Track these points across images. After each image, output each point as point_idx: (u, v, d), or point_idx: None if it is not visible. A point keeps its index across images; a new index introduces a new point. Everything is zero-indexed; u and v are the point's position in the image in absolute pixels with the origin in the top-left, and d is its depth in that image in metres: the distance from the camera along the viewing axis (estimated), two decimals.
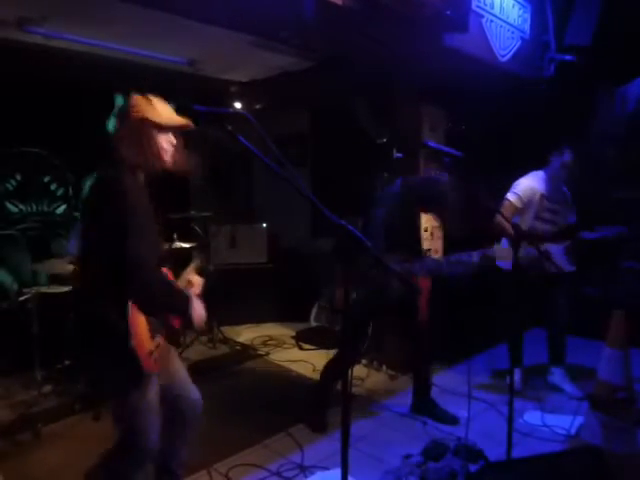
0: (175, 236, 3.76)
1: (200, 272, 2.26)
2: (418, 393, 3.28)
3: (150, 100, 1.95)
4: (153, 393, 1.89)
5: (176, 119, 1.93)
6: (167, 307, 1.90)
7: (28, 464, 2.71)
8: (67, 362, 3.53)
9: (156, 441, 1.90)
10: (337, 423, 2.97)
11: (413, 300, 3.16)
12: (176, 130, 1.97)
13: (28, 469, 2.67)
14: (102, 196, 1.80)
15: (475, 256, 2.82)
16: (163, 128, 1.92)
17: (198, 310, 1.94)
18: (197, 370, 3.89)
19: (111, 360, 1.78)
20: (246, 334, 4.98)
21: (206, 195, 5.56)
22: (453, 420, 3.12)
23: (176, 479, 2.18)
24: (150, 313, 1.81)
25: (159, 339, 1.90)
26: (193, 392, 2.18)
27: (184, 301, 1.89)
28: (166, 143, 1.94)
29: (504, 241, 3.64)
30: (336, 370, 3.11)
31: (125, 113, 1.90)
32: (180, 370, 2.15)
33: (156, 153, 1.91)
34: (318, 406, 3.13)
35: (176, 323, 2.03)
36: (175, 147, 1.98)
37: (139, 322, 1.77)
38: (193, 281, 2.17)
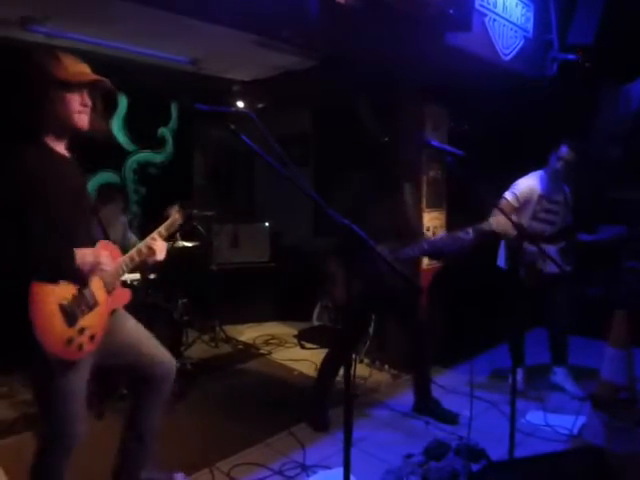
0: (177, 235, 3.75)
1: (174, 232, 2.09)
2: (419, 393, 3.27)
3: (55, 54, 1.71)
4: (78, 379, 1.80)
5: (88, 75, 1.74)
6: (44, 272, 1.65)
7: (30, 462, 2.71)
8: None
9: (79, 430, 1.84)
10: (339, 422, 2.97)
11: (413, 298, 3.15)
12: (90, 88, 1.76)
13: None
14: None
15: (470, 231, 2.79)
16: (72, 86, 1.68)
17: (92, 259, 1.71)
18: (199, 369, 3.90)
19: (20, 355, 1.72)
20: (248, 333, 4.98)
21: (208, 194, 5.57)
22: (455, 419, 3.12)
23: (144, 446, 2.13)
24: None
25: (86, 322, 1.75)
26: (156, 352, 2.09)
27: (66, 258, 1.67)
28: (78, 104, 1.71)
29: (502, 242, 3.65)
30: (332, 367, 3.13)
31: (25, 71, 1.67)
32: (132, 334, 2.05)
33: (64, 116, 1.70)
34: (318, 404, 3.13)
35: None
36: (90, 108, 1.76)
37: (46, 308, 1.63)
38: (155, 248, 1.98)
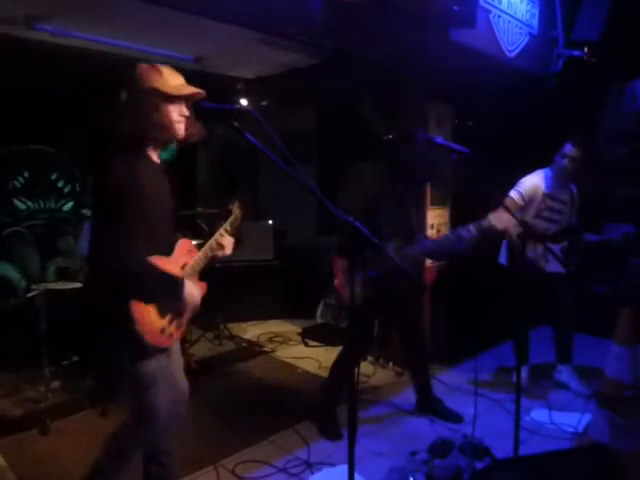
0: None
1: (237, 226, 2.24)
2: (420, 392, 3.26)
3: (157, 68, 1.82)
4: (167, 367, 1.93)
5: (186, 87, 1.85)
6: (150, 292, 1.81)
7: (36, 459, 2.73)
8: (75, 358, 3.55)
9: (168, 415, 1.93)
10: (343, 420, 2.98)
11: (415, 297, 3.12)
12: (187, 99, 1.87)
13: (37, 464, 2.69)
14: (97, 186, 1.77)
15: (472, 228, 2.76)
16: (173, 98, 1.81)
17: (191, 292, 1.89)
18: (203, 366, 3.91)
19: (118, 342, 1.84)
20: (252, 331, 4.99)
21: (212, 192, 5.58)
22: (458, 418, 3.11)
23: (165, 469, 2.16)
24: (138, 299, 1.77)
25: (174, 315, 1.89)
26: (184, 383, 2.18)
27: (172, 285, 1.83)
28: (177, 115, 1.83)
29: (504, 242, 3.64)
30: (344, 368, 3.08)
31: (130, 85, 1.78)
32: (178, 360, 2.16)
33: (167, 126, 1.82)
34: (329, 411, 3.06)
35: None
36: (187, 118, 1.88)
37: (143, 307, 1.77)
38: (224, 243, 2.13)
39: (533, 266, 3.41)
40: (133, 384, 1.89)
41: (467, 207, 3.45)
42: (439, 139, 2.78)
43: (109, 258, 1.70)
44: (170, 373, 1.99)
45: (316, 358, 4.17)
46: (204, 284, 2.08)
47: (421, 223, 3.21)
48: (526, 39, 4.07)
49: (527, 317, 3.51)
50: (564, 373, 3.59)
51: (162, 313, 1.85)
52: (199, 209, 4.46)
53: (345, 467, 1.61)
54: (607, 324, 2.99)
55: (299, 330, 4.89)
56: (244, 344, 4.64)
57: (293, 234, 5.64)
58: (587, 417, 3.02)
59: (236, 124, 1.64)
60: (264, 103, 4.98)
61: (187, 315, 1.98)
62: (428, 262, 4.00)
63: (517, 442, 2.33)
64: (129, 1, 2.70)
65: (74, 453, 2.72)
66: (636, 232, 3.42)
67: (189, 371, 3.64)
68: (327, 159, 5.41)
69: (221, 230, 2.18)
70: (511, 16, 3.89)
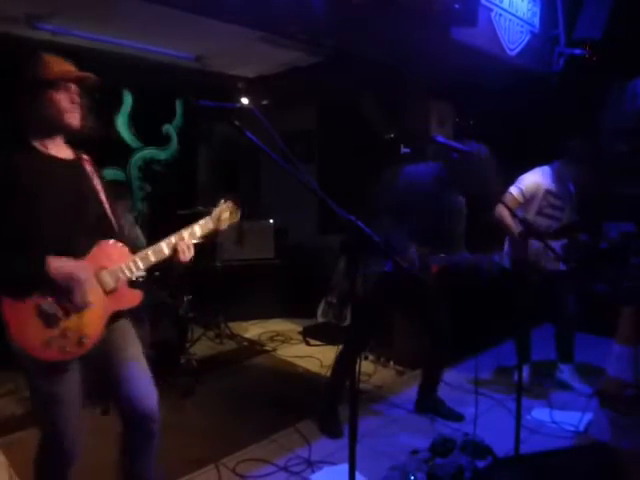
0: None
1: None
2: (425, 391, 3.24)
3: (42, 57, 1.74)
4: (63, 384, 1.72)
5: (71, 72, 1.75)
6: (11, 281, 1.61)
7: None
8: None
9: (71, 436, 1.77)
10: (344, 418, 2.98)
11: (434, 298, 3.06)
12: (74, 83, 1.74)
13: None
14: None
15: (485, 261, 2.74)
16: (58, 85, 1.69)
17: (67, 271, 1.63)
18: (204, 365, 3.91)
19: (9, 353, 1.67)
20: (253, 330, 4.99)
21: (213, 191, 5.57)
22: (458, 418, 3.10)
23: None
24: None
25: (71, 323, 1.66)
26: (144, 394, 1.86)
27: (31, 264, 1.60)
28: (67, 103, 1.71)
29: (506, 239, 3.63)
30: (345, 367, 3.05)
31: (9, 74, 1.71)
32: (130, 364, 1.86)
33: (56, 115, 1.70)
34: (331, 409, 3.04)
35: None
36: (81, 106, 1.75)
37: (22, 314, 1.60)
38: (179, 248, 1.88)
39: (535, 264, 3.40)
40: (32, 401, 1.77)
41: (468, 205, 3.44)
42: (440, 138, 2.78)
43: None
44: (73, 394, 1.77)
45: (317, 357, 4.17)
46: (137, 293, 1.84)
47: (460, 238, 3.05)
48: (527, 37, 4.07)
49: (528, 316, 3.51)
50: (565, 372, 3.58)
51: (48, 321, 1.63)
52: (199, 208, 4.45)
53: (346, 466, 1.61)
54: (609, 323, 2.98)
55: (300, 329, 4.88)
56: (245, 343, 4.63)
57: (294, 233, 5.64)
58: (588, 416, 3.01)
59: (237, 123, 1.63)
60: (265, 102, 4.97)
61: (96, 324, 1.73)
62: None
63: (518, 441, 2.33)
64: (130, 0, 2.70)
65: None
66: (635, 232, 3.43)
67: (190, 370, 3.68)
68: (327, 158, 5.41)
69: (182, 233, 1.93)
70: (512, 14, 3.88)
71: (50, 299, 1.64)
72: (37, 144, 1.72)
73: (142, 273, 1.84)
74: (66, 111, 1.71)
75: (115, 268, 1.78)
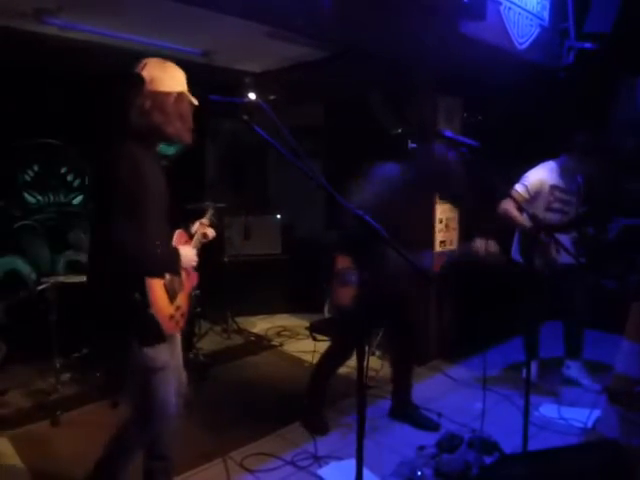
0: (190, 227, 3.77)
1: (212, 224, 2.36)
2: (400, 398, 3.12)
3: (165, 64, 1.88)
4: (172, 354, 1.97)
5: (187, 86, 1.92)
6: (159, 272, 1.87)
7: (47, 451, 2.76)
8: (85, 350, 3.58)
9: (175, 403, 1.95)
10: (351, 414, 2.98)
11: (410, 299, 3.00)
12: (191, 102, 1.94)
13: (47, 456, 2.71)
14: (100, 174, 1.82)
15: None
16: (185, 95, 1.89)
17: (186, 254, 1.95)
18: (212, 360, 3.92)
19: (135, 327, 1.82)
20: (260, 325, 5.00)
21: (220, 186, 5.58)
22: (434, 427, 2.97)
23: (167, 462, 2.15)
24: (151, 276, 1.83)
25: (179, 301, 1.97)
26: (184, 376, 2.19)
27: (176, 256, 1.91)
28: (187, 112, 1.91)
29: (516, 235, 3.62)
30: (331, 366, 3.02)
31: (140, 81, 1.82)
32: (179, 353, 2.16)
33: (187, 129, 1.91)
34: (315, 405, 3.02)
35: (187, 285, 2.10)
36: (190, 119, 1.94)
37: (156, 289, 1.82)
38: (208, 233, 2.28)
39: (546, 259, 3.38)
40: (141, 371, 1.88)
41: (476, 201, 3.42)
42: (448, 133, 2.76)
43: (127, 260, 1.73)
44: (174, 364, 2.02)
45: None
46: (196, 274, 2.18)
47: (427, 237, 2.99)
48: (537, 31, 4.03)
49: (538, 312, 3.49)
50: (573, 368, 3.57)
51: (171, 298, 1.91)
52: (207, 203, 4.45)
53: (353, 461, 1.61)
54: (617, 319, 2.96)
55: (307, 324, 4.89)
56: (252, 338, 4.65)
57: (301, 228, 5.64)
58: (596, 413, 3.00)
59: (245, 117, 1.63)
60: (272, 97, 4.96)
61: (186, 299, 2.05)
62: (436, 249, 3.96)
63: (526, 437, 2.32)
64: None
65: (85, 444, 2.72)
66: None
67: (197, 364, 3.70)
68: (334, 153, 5.40)
69: (202, 221, 2.33)
70: (521, 8, 3.85)
71: (169, 277, 1.91)
72: (156, 149, 1.98)
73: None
74: (189, 120, 1.92)
75: (190, 252, 2.04)
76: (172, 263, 1.90)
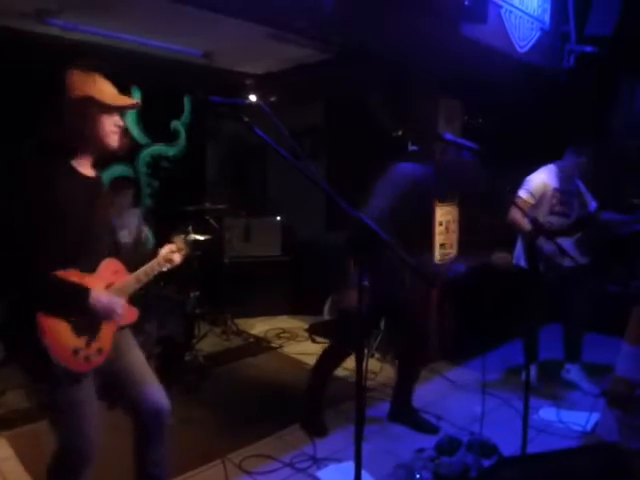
0: (190, 228, 3.77)
1: (182, 250, 2.05)
2: (400, 400, 3.11)
3: (92, 75, 1.74)
4: (85, 394, 1.76)
5: (122, 98, 1.78)
6: (54, 304, 1.65)
7: (45, 452, 2.74)
8: None
9: (92, 444, 1.79)
10: (350, 416, 2.98)
11: (417, 302, 3.02)
12: (123, 110, 1.81)
13: (45, 456, 2.70)
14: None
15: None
16: (109, 108, 1.72)
17: (105, 302, 1.70)
18: (211, 362, 3.92)
19: (27, 362, 1.68)
20: (260, 327, 5.00)
21: (221, 188, 5.58)
22: (433, 430, 2.97)
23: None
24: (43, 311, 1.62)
25: (96, 335, 1.74)
26: (153, 393, 1.93)
27: (76, 294, 1.66)
28: (112, 125, 1.75)
29: (519, 240, 3.62)
30: (330, 366, 3.01)
31: (64, 90, 1.69)
32: (135, 365, 1.95)
33: (101, 137, 1.73)
34: (314, 406, 3.02)
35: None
36: (121, 128, 1.79)
37: (55, 322, 1.63)
38: (174, 259, 2.00)
39: (550, 262, 3.37)
40: (49, 412, 1.77)
41: (476, 204, 3.43)
42: (449, 135, 2.76)
43: (9, 276, 1.60)
44: (90, 403, 1.79)
45: None
46: (135, 310, 1.94)
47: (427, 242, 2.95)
48: (537, 34, 4.03)
49: (539, 315, 3.49)
50: (572, 372, 3.56)
51: (77, 331, 1.68)
52: (207, 205, 4.46)
53: (351, 463, 1.61)
54: (618, 323, 2.96)
55: (306, 326, 4.89)
56: (252, 340, 4.64)
57: (301, 230, 5.64)
58: (595, 416, 3.00)
59: (246, 119, 1.62)
60: (273, 98, 4.97)
61: (108, 335, 1.80)
62: (437, 257, 3.98)
63: (525, 440, 2.31)
64: None
65: None
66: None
67: (196, 366, 3.69)
68: (335, 154, 5.40)
69: (171, 246, 2.03)
70: (522, 11, 3.85)
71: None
72: (74, 162, 1.74)
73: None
74: (111, 133, 1.75)
75: (121, 285, 1.86)
76: (70, 295, 1.66)
